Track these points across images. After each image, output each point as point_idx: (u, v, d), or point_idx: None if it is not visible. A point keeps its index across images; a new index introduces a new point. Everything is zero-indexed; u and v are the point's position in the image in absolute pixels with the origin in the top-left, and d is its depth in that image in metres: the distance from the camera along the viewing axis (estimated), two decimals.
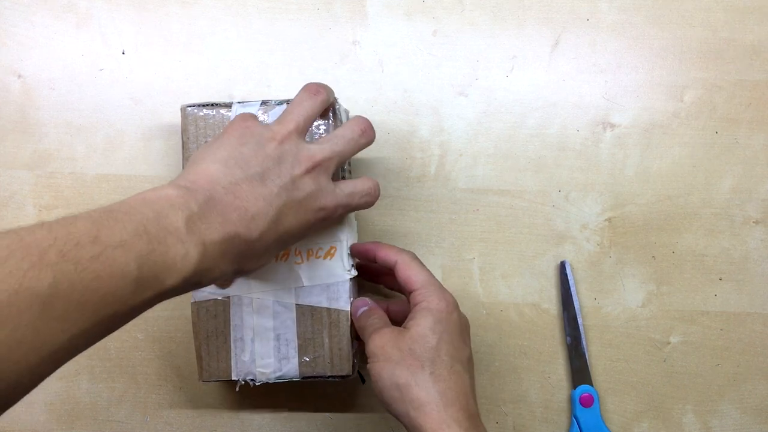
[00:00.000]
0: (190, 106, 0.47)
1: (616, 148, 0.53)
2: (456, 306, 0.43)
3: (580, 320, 0.52)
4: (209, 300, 0.49)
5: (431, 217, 0.53)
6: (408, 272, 0.44)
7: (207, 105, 0.47)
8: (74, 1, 0.55)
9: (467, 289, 0.53)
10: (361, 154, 0.53)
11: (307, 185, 0.40)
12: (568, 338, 0.52)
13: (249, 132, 0.41)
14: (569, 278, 0.52)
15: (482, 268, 0.53)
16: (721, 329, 0.53)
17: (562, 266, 0.52)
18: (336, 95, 0.47)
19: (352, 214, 0.48)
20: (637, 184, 0.53)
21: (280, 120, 0.42)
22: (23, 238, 0.29)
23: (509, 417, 0.53)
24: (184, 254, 0.34)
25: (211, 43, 0.54)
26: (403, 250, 0.46)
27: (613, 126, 0.53)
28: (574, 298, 0.52)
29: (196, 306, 0.49)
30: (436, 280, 0.44)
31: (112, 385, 0.55)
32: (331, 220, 0.43)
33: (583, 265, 0.53)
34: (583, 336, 0.52)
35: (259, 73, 0.54)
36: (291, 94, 0.54)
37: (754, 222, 0.53)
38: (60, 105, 0.55)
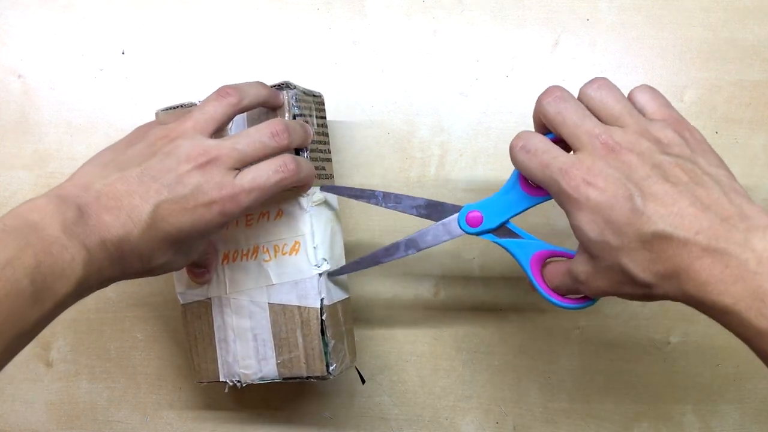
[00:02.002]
0: (163, 110, 0.48)
1: None
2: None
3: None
4: (193, 302, 0.49)
5: None
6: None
7: (178, 106, 0.48)
8: (74, 1, 0.55)
9: (467, 289, 0.53)
10: (361, 155, 0.53)
11: (194, 180, 0.38)
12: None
13: (142, 133, 0.41)
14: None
15: (482, 267, 0.53)
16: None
17: None
18: (296, 83, 0.46)
19: (307, 202, 0.45)
20: None
21: (179, 120, 0.41)
22: None
23: (509, 417, 0.53)
24: (71, 260, 0.34)
25: (211, 43, 0.54)
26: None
27: None
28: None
29: (184, 309, 0.49)
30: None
31: (112, 385, 0.55)
32: (234, 214, 0.40)
33: None
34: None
35: (259, 73, 0.54)
36: None
37: None
38: (60, 105, 0.55)
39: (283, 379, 0.46)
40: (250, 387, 0.48)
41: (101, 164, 0.39)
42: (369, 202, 0.46)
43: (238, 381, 0.48)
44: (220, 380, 0.48)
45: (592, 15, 0.53)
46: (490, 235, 0.43)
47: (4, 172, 0.55)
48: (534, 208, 0.41)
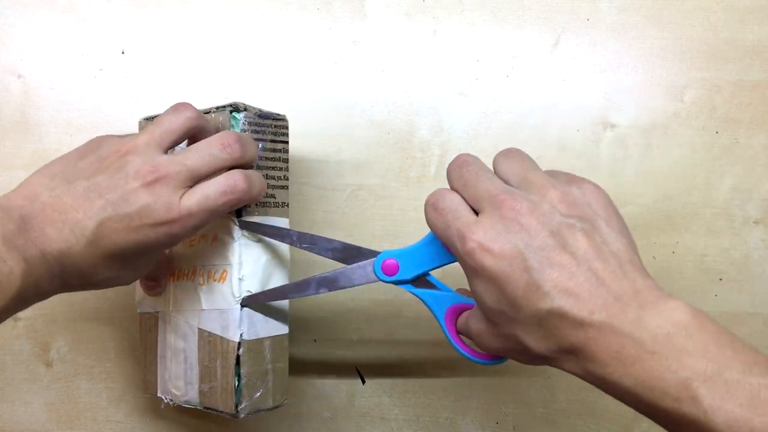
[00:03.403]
0: (147, 119, 0.48)
1: (616, 148, 0.53)
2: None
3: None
4: (147, 313, 0.48)
5: None
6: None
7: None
8: (74, 1, 0.55)
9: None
10: (361, 155, 0.53)
11: (141, 199, 0.37)
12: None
13: (95, 145, 0.40)
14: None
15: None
16: None
17: None
18: (293, 106, 0.45)
19: (239, 234, 0.43)
20: (637, 184, 0.53)
21: (134, 134, 0.40)
22: None
23: (509, 417, 0.53)
24: (8, 272, 0.33)
25: (211, 43, 0.54)
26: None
27: (613, 126, 0.53)
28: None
29: (140, 317, 0.49)
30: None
31: (111, 385, 0.55)
32: (182, 235, 0.39)
33: None
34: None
35: (259, 73, 0.54)
36: (291, 94, 0.54)
37: (754, 222, 0.53)
38: (60, 105, 0.55)
39: (204, 408, 0.45)
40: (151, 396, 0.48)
41: (50, 175, 0.38)
42: (283, 242, 0.44)
43: (171, 400, 0.47)
44: (157, 395, 0.48)
45: (592, 15, 0.53)
46: (407, 285, 0.42)
47: (4, 172, 0.55)
48: None
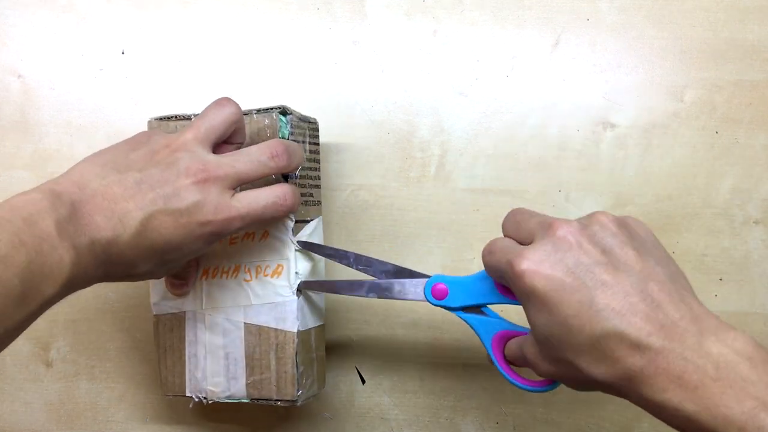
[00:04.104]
0: (157, 118, 0.48)
1: (616, 148, 0.53)
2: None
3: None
4: (167, 314, 0.48)
5: (431, 217, 0.53)
6: None
7: (172, 117, 0.47)
8: (74, 1, 0.55)
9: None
10: (361, 155, 0.53)
11: (191, 195, 0.38)
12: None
13: (145, 139, 0.41)
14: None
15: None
16: None
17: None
18: (293, 107, 0.46)
19: (288, 235, 0.45)
20: (637, 184, 0.53)
21: (181, 130, 0.41)
22: None
23: (509, 417, 0.53)
24: (59, 260, 0.33)
25: (211, 43, 0.54)
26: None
27: (613, 126, 0.53)
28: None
29: (156, 319, 0.49)
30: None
31: (111, 385, 0.55)
32: (225, 235, 0.40)
33: None
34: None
35: (259, 73, 0.54)
36: (291, 94, 0.54)
37: (754, 222, 0.53)
38: (60, 105, 0.55)
39: (251, 399, 0.46)
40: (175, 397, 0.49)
41: (100, 164, 0.38)
42: (341, 263, 0.46)
43: (204, 397, 0.48)
44: (186, 395, 0.48)
45: (592, 15, 0.53)
46: (457, 311, 0.43)
47: (4, 172, 0.55)
48: None
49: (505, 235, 0.38)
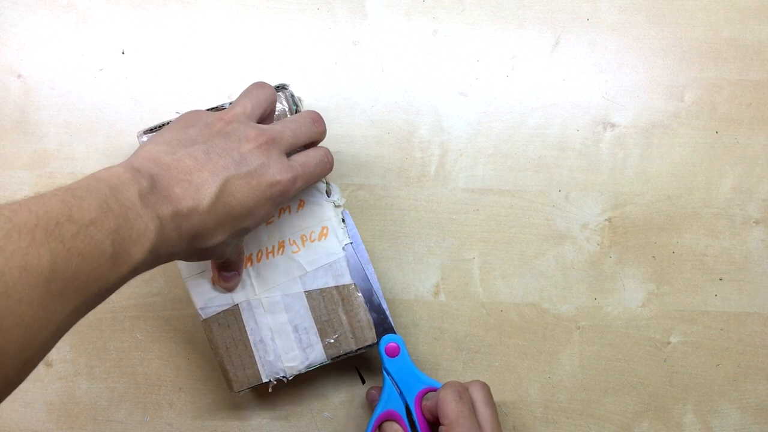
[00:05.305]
0: (146, 132, 0.48)
1: (616, 148, 0.53)
2: None
3: (370, 270, 0.49)
4: (219, 313, 0.49)
5: (431, 217, 0.53)
6: (443, 407, 0.44)
7: (157, 127, 0.48)
8: (74, 1, 0.55)
9: (467, 289, 0.53)
10: (361, 155, 0.53)
11: (256, 159, 0.40)
12: (359, 294, 0.49)
13: (196, 116, 0.42)
14: (348, 223, 0.50)
15: (482, 268, 0.53)
16: (722, 329, 0.53)
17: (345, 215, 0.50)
18: (292, 87, 0.49)
19: (324, 197, 0.48)
20: (637, 184, 0.53)
21: (228, 107, 0.43)
22: (11, 218, 0.30)
23: (509, 417, 0.53)
24: (145, 228, 0.34)
25: (211, 43, 0.54)
26: (451, 384, 0.46)
27: (613, 126, 0.53)
28: (360, 248, 0.50)
29: (208, 323, 0.49)
30: (468, 417, 0.44)
31: (112, 385, 0.55)
32: (288, 197, 0.42)
33: (583, 265, 0.53)
34: (375, 286, 0.49)
35: (259, 73, 0.54)
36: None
37: (754, 222, 0.53)
38: (60, 105, 0.55)
39: (332, 359, 0.48)
40: (250, 388, 0.48)
41: (165, 142, 0.39)
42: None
43: (284, 376, 0.49)
44: (263, 381, 0.49)
45: (592, 15, 0.53)
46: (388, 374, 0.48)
47: (4, 172, 0.55)
48: None
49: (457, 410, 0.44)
